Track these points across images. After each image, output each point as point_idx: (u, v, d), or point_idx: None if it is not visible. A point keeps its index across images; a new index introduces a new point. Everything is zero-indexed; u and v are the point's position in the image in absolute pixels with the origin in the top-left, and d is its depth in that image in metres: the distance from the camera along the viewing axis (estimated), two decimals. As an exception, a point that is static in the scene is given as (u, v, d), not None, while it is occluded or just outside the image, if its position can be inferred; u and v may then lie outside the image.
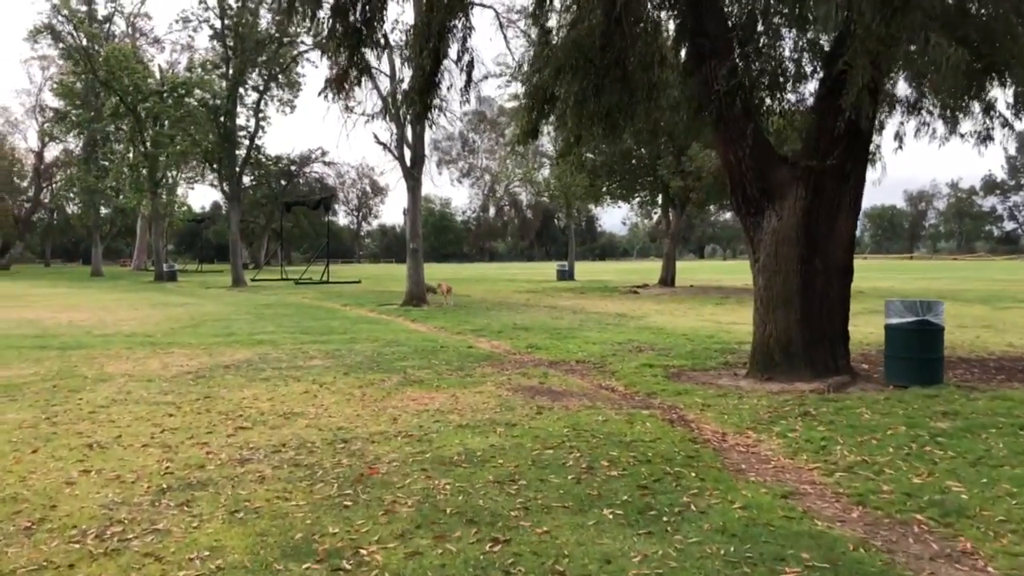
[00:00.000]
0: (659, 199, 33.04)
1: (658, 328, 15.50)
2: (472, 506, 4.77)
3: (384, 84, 21.85)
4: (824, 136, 9.15)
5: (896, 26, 7.40)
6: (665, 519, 4.54)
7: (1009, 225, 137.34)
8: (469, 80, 10.52)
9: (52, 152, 63.53)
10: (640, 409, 7.62)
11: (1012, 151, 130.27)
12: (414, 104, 10.12)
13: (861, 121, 8.47)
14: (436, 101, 10.32)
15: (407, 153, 21.55)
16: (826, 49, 9.61)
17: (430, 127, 21.37)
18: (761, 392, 8.35)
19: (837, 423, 6.82)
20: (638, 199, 34.50)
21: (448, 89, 10.76)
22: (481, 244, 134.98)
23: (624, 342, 13.14)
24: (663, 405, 7.88)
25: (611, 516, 4.58)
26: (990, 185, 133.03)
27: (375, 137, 21.01)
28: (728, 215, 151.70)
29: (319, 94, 12.57)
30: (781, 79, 9.82)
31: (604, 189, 32.06)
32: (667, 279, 31.43)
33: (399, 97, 20.35)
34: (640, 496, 4.94)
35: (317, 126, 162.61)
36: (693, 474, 5.42)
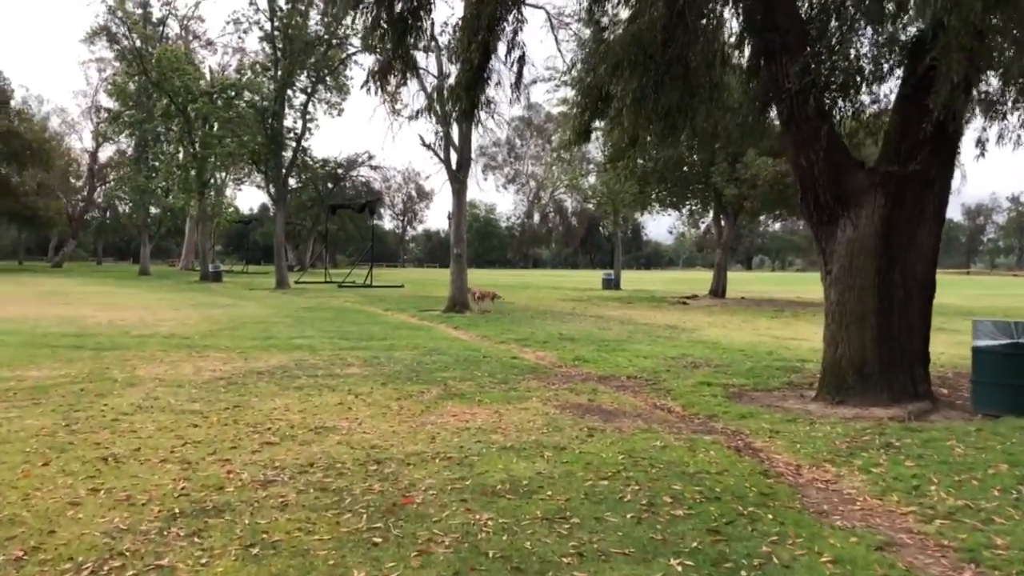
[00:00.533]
0: (710, 207, 32.15)
1: (713, 342, 14.74)
2: (518, 549, 4.16)
3: (431, 84, 21.43)
4: (906, 139, 8.38)
5: (1000, 17, 6.65)
6: (744, 574, 3.89)
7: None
8: (519, 77, 9.97)
9: (106, 153, 64.78)
10: (701, 434, 6.94)
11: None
12: (460, 100, 9.57)
13: (950, 123, 7.72)
14: (483, 98, 9.76)
15: (452, 156, 21.09)
16: (909, 45, 8.83)
17: (476, 127, 20.84)
18: (834, 418, 7.61)
19: (927, 458, 6.07)
20: (688, 207, 33.61)
21: (496, 87, 10.21)
22: (525, 251, 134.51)
23: (677, 357, 12.43)
24: (726, 430, 7.19)
25: (680, 568, 3.94)
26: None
27: (420, 139, 20.50)
28: (778, 225, 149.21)
29: (362, 86, 12.10)
30: (857, 78, 9.05)
31: (653, 196, 31.25)
32: (718, 290, 30.51)
33: (445, 95, 19.89)
34: (712, 542, 4.29)
35: (364, 130, 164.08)
36: (770, 516, 4.74)
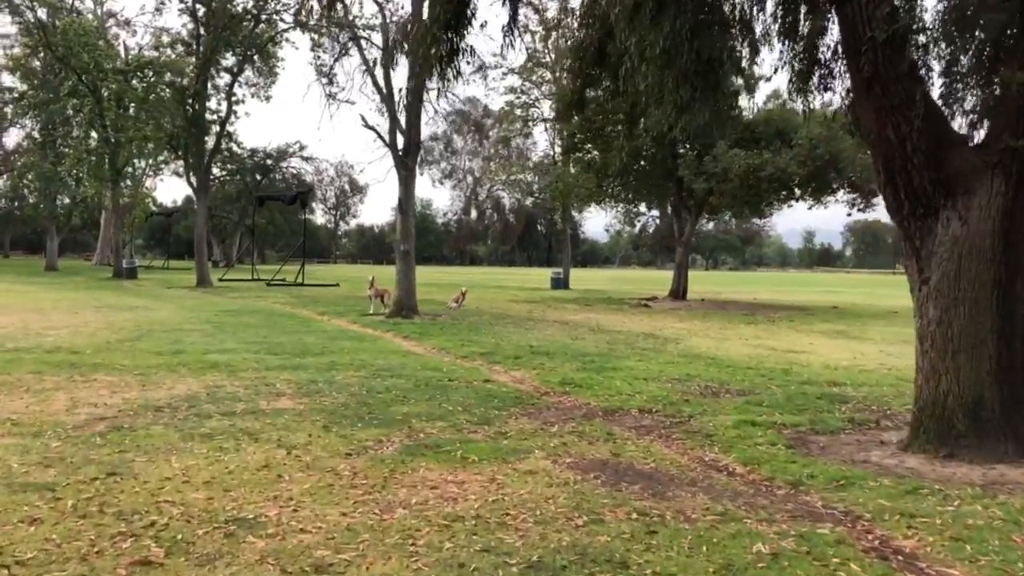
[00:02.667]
0: (669, 203, 30.31)
1: (709, 357, 12.64)
2: None
3: (373, 58, 18.88)
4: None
5: None
6: None
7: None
8: (514, 16, 7.58)
9: (14, 139, 59.65)
10: (807, 523, 4.72)
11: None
12: (437, 44, 7.15)
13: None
14: (464, 44, 7.36)
15: (399, 140, 18.57)
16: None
17: (440, 94, 18.28)
18: (967, 486, 5.47)
19: None
20: (643, 203, 31.71)
21: (482, 28, 7.84)
22: (462, 247, 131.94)
23: (683, 378, 10.26)
24: (834, 512, 4.97)
25: None
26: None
27: (363, 120, 17.98)
28: (711, 224, 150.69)
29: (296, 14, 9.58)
30: (954, 28, 6.99)
31: (608, 191, 29.22)
32: (679, 292, 28.65)
33: (398, 57, 17.48)
34: None
35: (296, 121, 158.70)
36: None
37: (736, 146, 22.83)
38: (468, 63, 8.14)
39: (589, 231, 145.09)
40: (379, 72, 18.97)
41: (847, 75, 7.37)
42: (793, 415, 7.88)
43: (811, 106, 8.41)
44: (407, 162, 18.13)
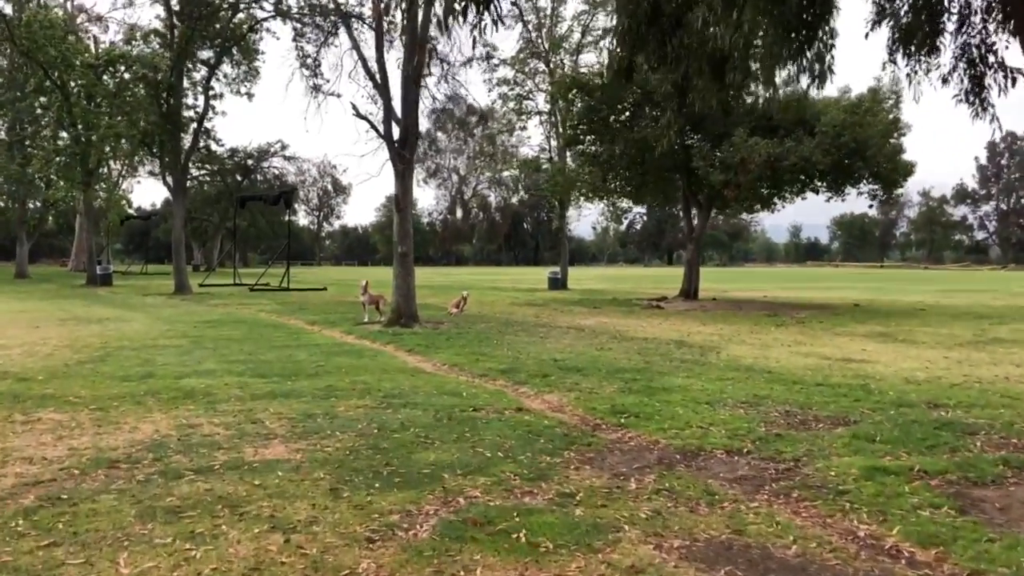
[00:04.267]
0: (677, 197, 28.68)
1: (764, 370, 10.99)
2: None
3: (366, 42, 17.08)
4: None
5: None
6: None
7: (979, 235, 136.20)
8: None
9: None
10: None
11: (983, 160, 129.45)
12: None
13: None
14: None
15: (395, 131, 16.77)
16: None
17: (436, 79, 16.57)
18: None
19: None
20: (649, 197, 30.06)
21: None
22: (448, 247, 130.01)
23: (752, 400, 8.59)
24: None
25: None
26: (961, 194, 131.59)
27: (354, 108, 16.18)
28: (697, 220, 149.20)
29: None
30: None
31: (613, 185, 27.52)
32: (690, 291, 27.02)
33: (390, 37, 15.76)
34: None
35: (277, 120, 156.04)
36: None
37: (753, 135, 21.21)
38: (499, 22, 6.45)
39: (576, 229, 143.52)
40: (370, 55, 17.21)
41: None
42: (925, 456, 6.22)
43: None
44: (404, 154, 16.33)
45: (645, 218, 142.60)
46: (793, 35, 6.21)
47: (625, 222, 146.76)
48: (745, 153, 20.73)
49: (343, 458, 6.13)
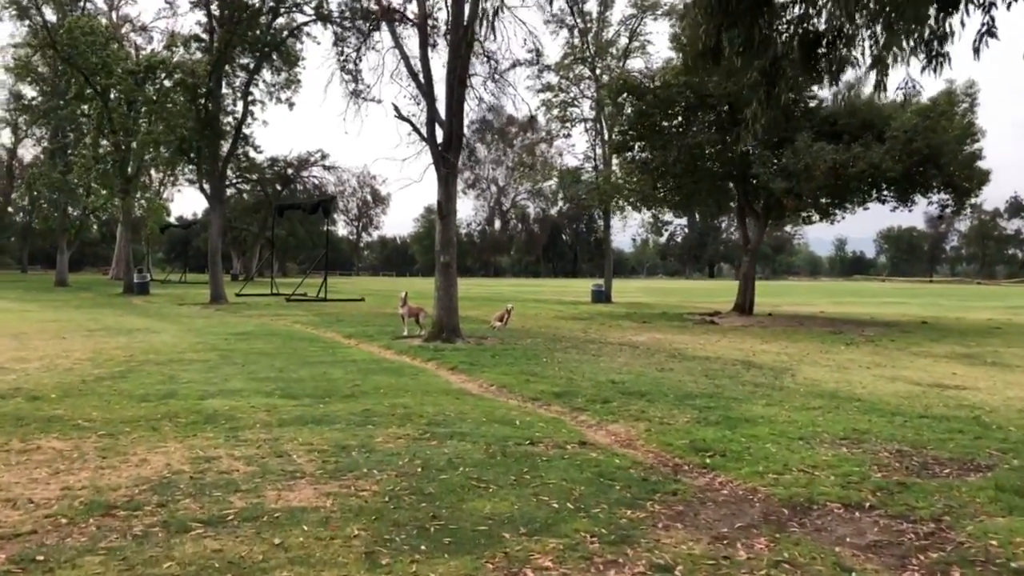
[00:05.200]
0: (730, 206, 27.37)
1: (852, 398, 9.76)
2: None
3: (409, 41, 16.18)
4: None
5: None
6: None
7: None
8: None
9: (31, 150, 57.63)
10: None
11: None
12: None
13: None
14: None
15: (439, 133, 15.81)
16: None
17: (482, 79, 15.50)
18: None
19: None
20: (701, 206, 28.78)
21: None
22: (486, 258, 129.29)
23: (852, 436, 7.40)
24: None
25: None
26: (1015, 207, 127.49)
27: (396, 110, 15.30)
28: (737, 234, 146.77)
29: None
30: None
31: (661, 195, 26.29)
32: (744, 306, 25.65)
33: (433, 39, 14.78)
34: None
35: (317, 130, 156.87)
36: None
37: (817, 140, 19.92)
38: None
39: (615, 241, 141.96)
40: (413, 55, 16.31)
41: None
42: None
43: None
44: (448, 158, 15.35)
45: (686, 230, 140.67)
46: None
47: (666, 234, 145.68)
48: (809, 159, 19.43)
49: (381, 506, 5.10)
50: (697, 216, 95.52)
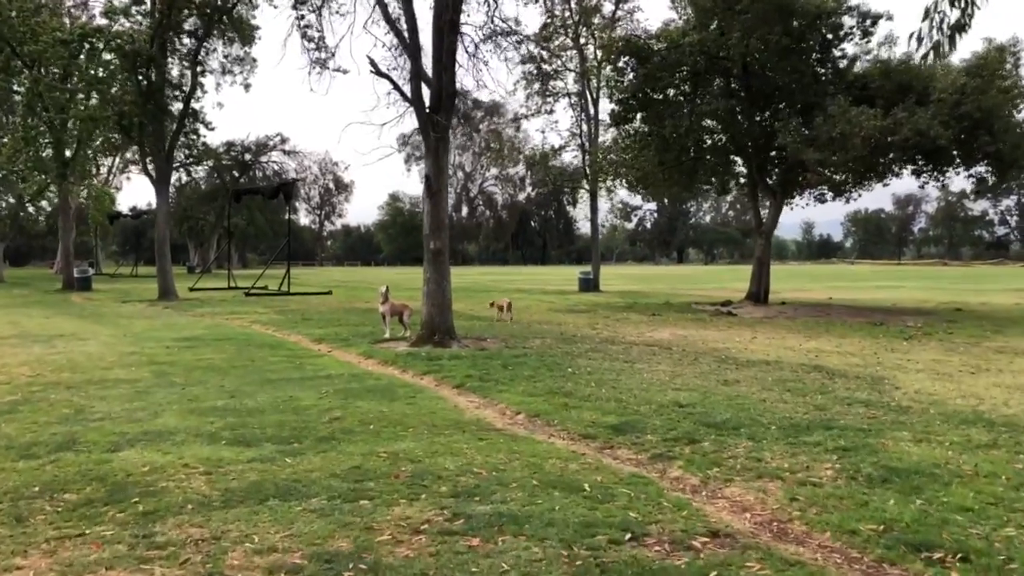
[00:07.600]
0: (734, 184, 24.87)
1: (1008, 422, 7.21)
2: None
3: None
4: None
5: None
6: None
7: (1000, 230, 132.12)
8: None
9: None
10: None
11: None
12: None
13: None
14: None
15: (425, 93, 12.97)
16: None
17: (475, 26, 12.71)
18: None
19: None
20: (706, 184, 26.20)
21: None
22: (454, 246, 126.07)
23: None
24: None
25: None
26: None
27: (372, 65, 12.42)
28: (708, 217, 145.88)
29: None
30: None
31: (662, 175, 23.64)
32: (759, 294, 23.19)
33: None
34: None
35: (276, 114, 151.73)
36: None
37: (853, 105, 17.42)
38: None
39: (582, 227, 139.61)
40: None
41: None
42: None
43: None
44: (439, 120, 12.51)
45: (656, 215, 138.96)
46: None
47: (634, 220, 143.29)
48: (846, 126, 16.92)
49: None
50: (666, 200, 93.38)
